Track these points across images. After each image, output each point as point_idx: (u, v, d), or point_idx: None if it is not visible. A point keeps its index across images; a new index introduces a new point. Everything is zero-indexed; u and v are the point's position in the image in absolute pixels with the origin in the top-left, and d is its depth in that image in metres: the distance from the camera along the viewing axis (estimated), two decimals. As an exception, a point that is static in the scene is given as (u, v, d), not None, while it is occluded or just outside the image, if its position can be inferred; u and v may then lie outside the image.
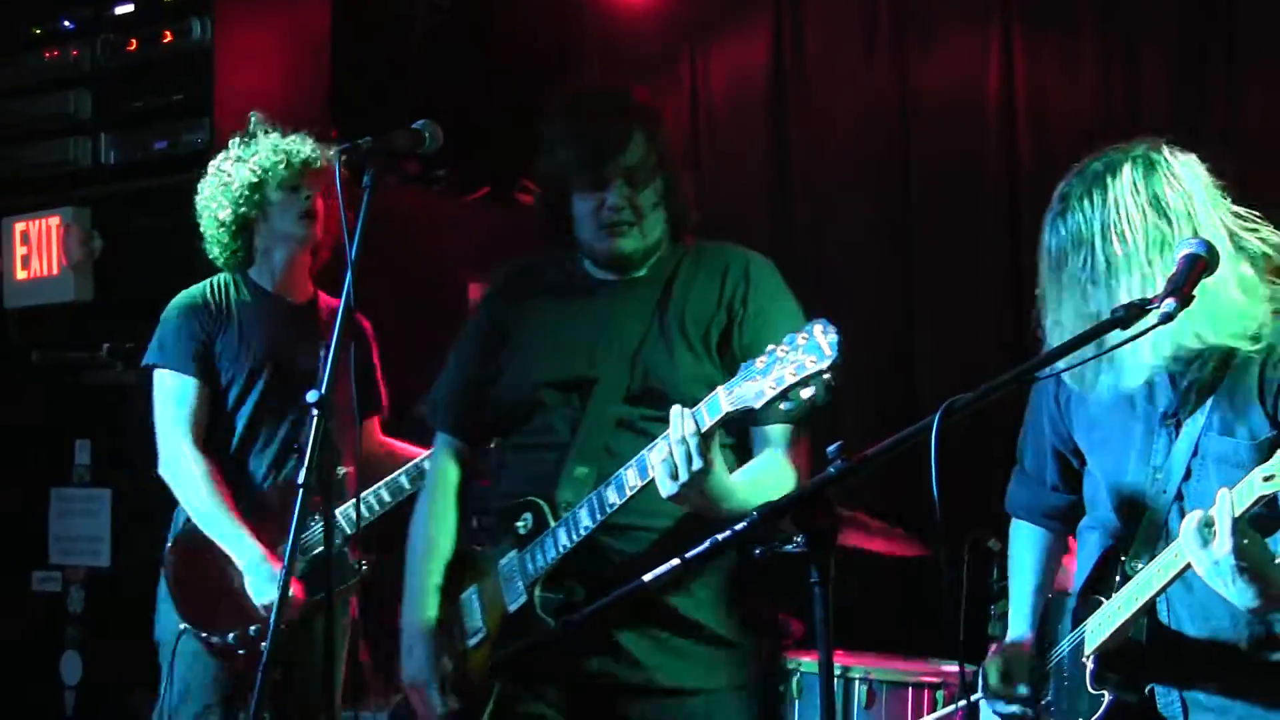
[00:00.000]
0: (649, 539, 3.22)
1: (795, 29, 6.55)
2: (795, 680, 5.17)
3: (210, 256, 4.71)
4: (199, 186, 4.70)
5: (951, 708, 4.85)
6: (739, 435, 3.32)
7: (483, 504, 3.49)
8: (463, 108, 6.46)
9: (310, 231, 4.61)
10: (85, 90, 6.21)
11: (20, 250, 6.17)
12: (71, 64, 6.24)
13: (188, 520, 4.52)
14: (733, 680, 3.34)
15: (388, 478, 4.48)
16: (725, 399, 2.94)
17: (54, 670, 6.04)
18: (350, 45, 6.55)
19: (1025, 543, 3.29)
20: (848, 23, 6.41)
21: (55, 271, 6.08)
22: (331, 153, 4.53)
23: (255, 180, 4.60)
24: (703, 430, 2.95)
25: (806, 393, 2.84)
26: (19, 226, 6.18)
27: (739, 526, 2.22)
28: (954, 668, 5.00)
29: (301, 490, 2.88)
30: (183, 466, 4.47)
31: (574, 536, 3.17)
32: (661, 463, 2.99)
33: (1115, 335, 2.50)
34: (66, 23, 6.31)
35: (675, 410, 2.99)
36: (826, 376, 2.82)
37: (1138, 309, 2.45)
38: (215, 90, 5.88)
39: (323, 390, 2.95)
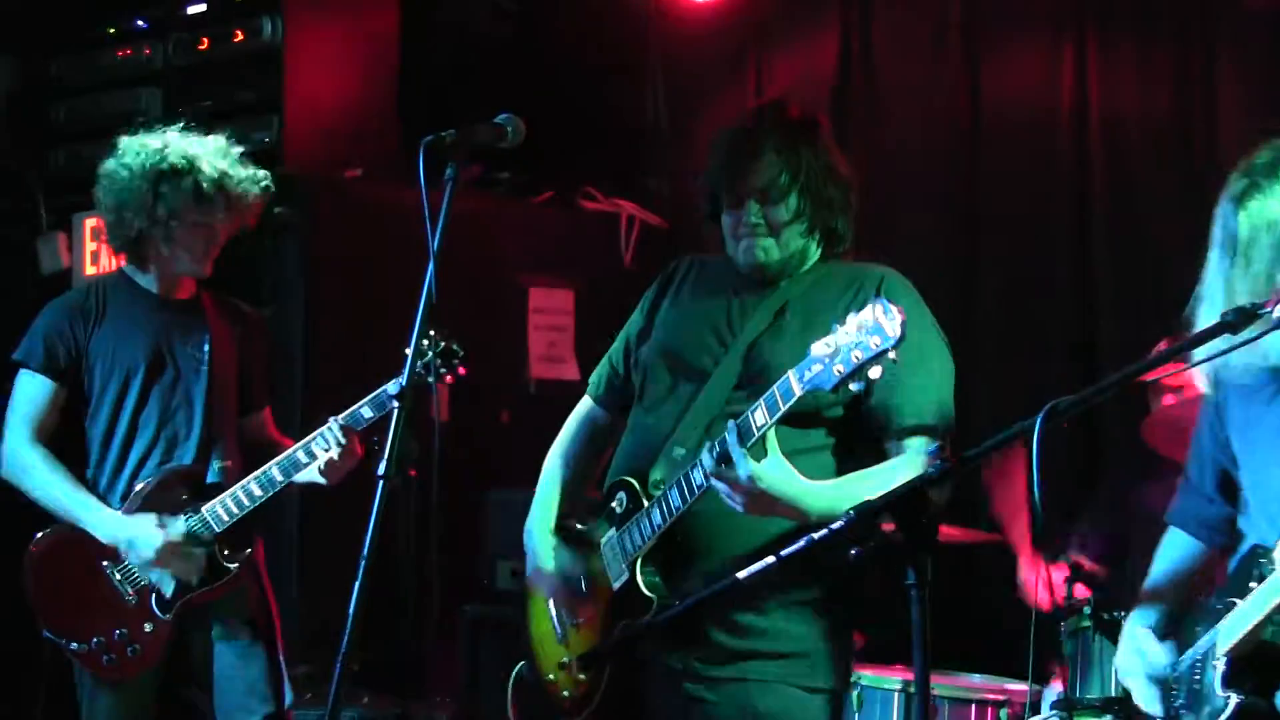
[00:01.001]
0: (740, 521, 3.23)
1: (863, 34, 6.49)
2: (856, 693, 5.13)
3: (110, 240, 4.64)
4: (127, 155, 4.58)
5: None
6: (844, 432, 3.35)
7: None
8: (526, 112, 6.46)
9: (205, 268, 4.54)
10: (156, 88, 6.25)
11: (90, 246, 6.20)
12: (143, 62, 6.29)
13: (42, 534, 4.50)
14: (805, 680, 3.34)
15: (258, 471, 4.36)
16: (797, 383, 3.00)
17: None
18: (417, 49, 6.58)
19: (1172, 548, 3.23)
20: (917, 27, 6.36)
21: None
22: (260, 183, 4.55)
23: (173, 209, 4.45)
24: (774, 419, 3.03)
25: (874, 372, 2.89)
26: (89, 223, 6.22)
27: (835, 525, 2.19)
28: (1019, 686, 4.95)
29: (381, 483, 2.86)
30: (20, 458, 4.46)
31: (667, 516, 3.27)
32: (716, 483, 3.11)
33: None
34: (139, 22, 6.35)
35: (729, 426, 3.09)
36: (893, 357, 2.87)
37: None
38: (285, 89, 5.90)
39: (404, 383, 2.92)
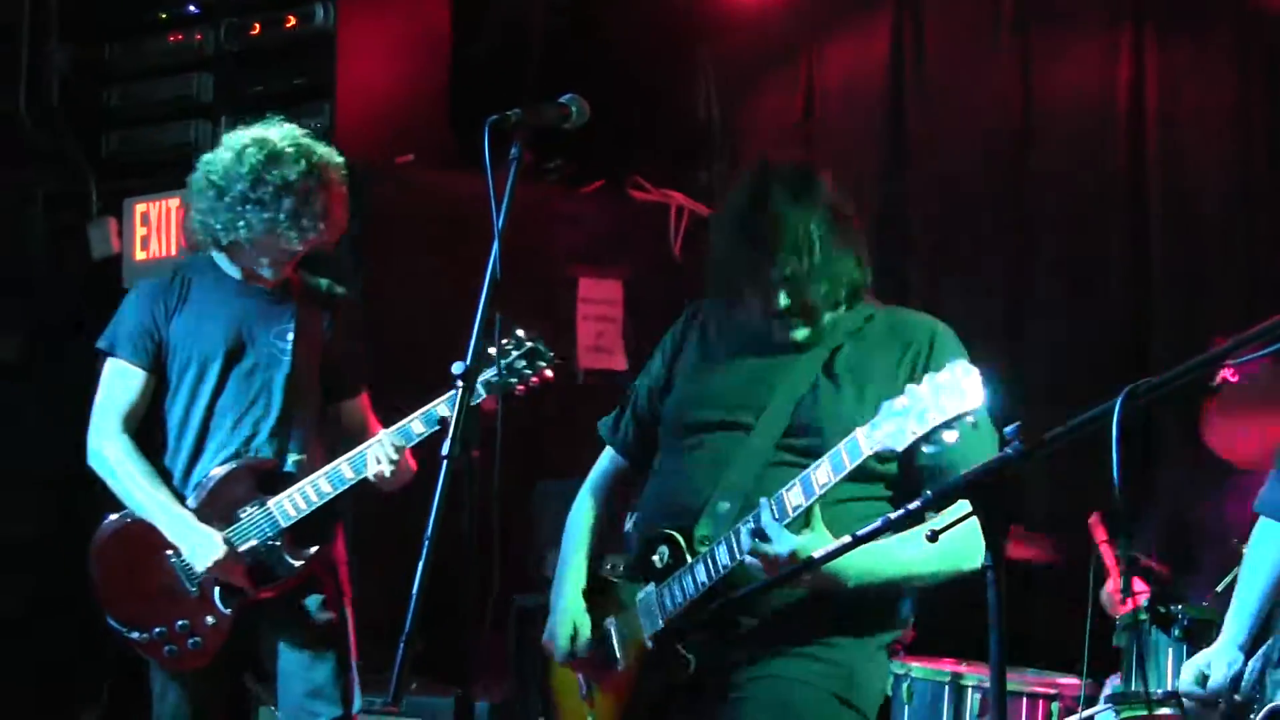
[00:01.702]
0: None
1: (916, 27, 6.45)
2: (906, 685, 5.11)
3: (196, 229, 4.45)
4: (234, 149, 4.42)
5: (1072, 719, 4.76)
6: (899, 489, 3.24)
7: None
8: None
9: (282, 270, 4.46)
10: (207, 74, 6.26)
11: (140, 231, 6.22)
12: (194, 48, 6.30)
13: (109, 519, 4.47)
14: (843, 691, 3.25)
15: (329, 466, 4.27)
16: (865, 441, 2.91)
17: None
18: (469, 37, 6.58)
19: (1266, 541, 3.19)
20: (970, 21, 6.31)
21: (174, 252, 6.11)
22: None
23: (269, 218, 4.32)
24: (839, 478, 2.94)
25: (950, 436, 2.82)
26: (139, 208, 6.24)
27: (912, 506, 2.16)
28: (1069, 680, 4.92)
29: (445, 462, 2.84)
30: (106, 451, 4.39)
31: (713, 575, 3.14)
32: (748, 563, 3.01)
33: None
34: (191, 7, 6.37)
35: (763, 503, 3.00)
36: (971, 421, 2.80)
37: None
38: (337, 75, 5.91)
39: (468, 363, 2.91)
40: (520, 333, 4.15)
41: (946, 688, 5.06)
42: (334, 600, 4.43)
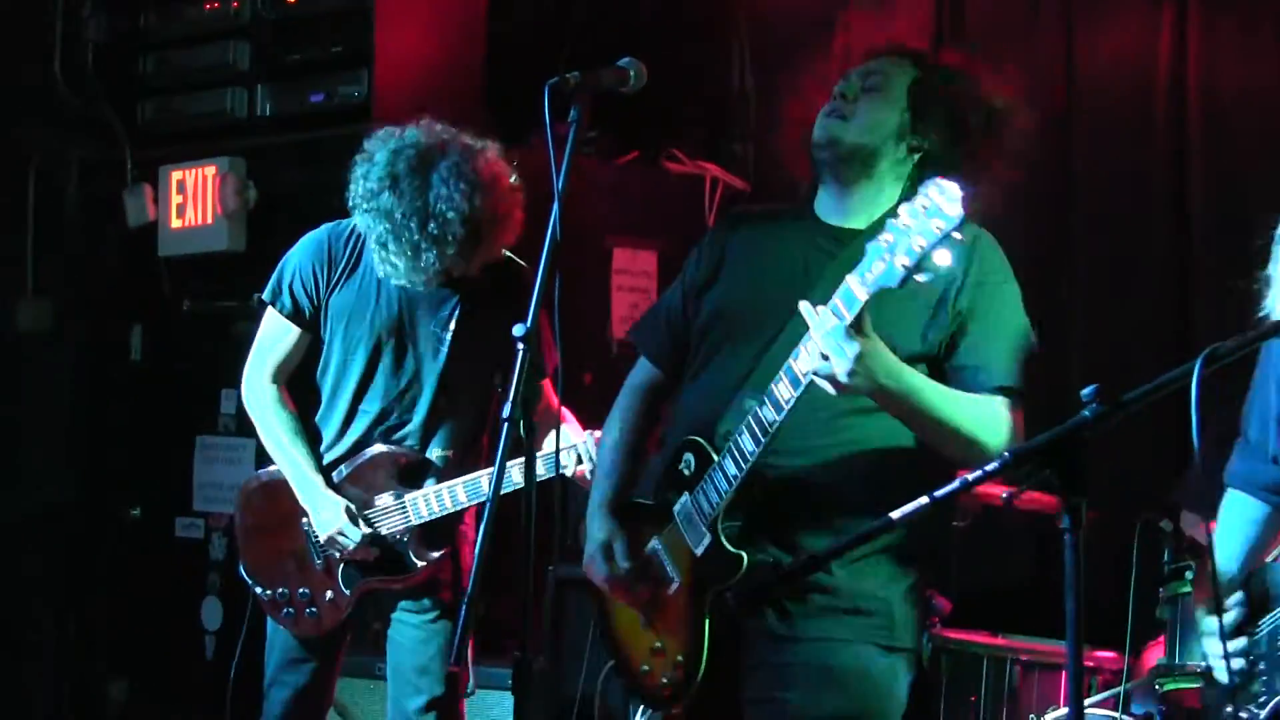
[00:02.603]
0: (819, 462, 3.17)
1: (955, 1, 6.40)
2: (944, 658, 5.10)
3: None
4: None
5: (1108, 693, 4.75)
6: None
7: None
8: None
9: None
10: (244, 41, 6.24)
11: (176, 199, 6.21)
12: (231, 15, 6.28)
13: (264, 470, 4.48)
14: (883, 639, 3.24)
15: (467, 476, 4.20)
16: (859, 286, 2.84)
17: (195, 615, 6.09)
18: (504, 8, 6.55)
19: (1235, 513, 3.18)
20: (1011, -5, 6.28)
21: (210, 221, 6.11)
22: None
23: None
24: (846, 323, 2.87)
25: (942, 259, 2.74)
26: (175, 175, 6.23)
27: (990, 467, 2.15)
28: (1107, 654, 4.91)
29: (506, 425, 2.83)
30: (257, 395, 4.36)
31: (742, 465, 3.10)
32: (818, 368, 2.91)
33: None
34: (227, -27, 6.35)
35: (804, 307, 2.92)
36: (958, 237, 2.72)
37: None
38: (376, 44, 5.89)
39: (529, 324, 2.89)
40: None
41: (985, 660, 5.05)
42: (454, 585, 4.32)
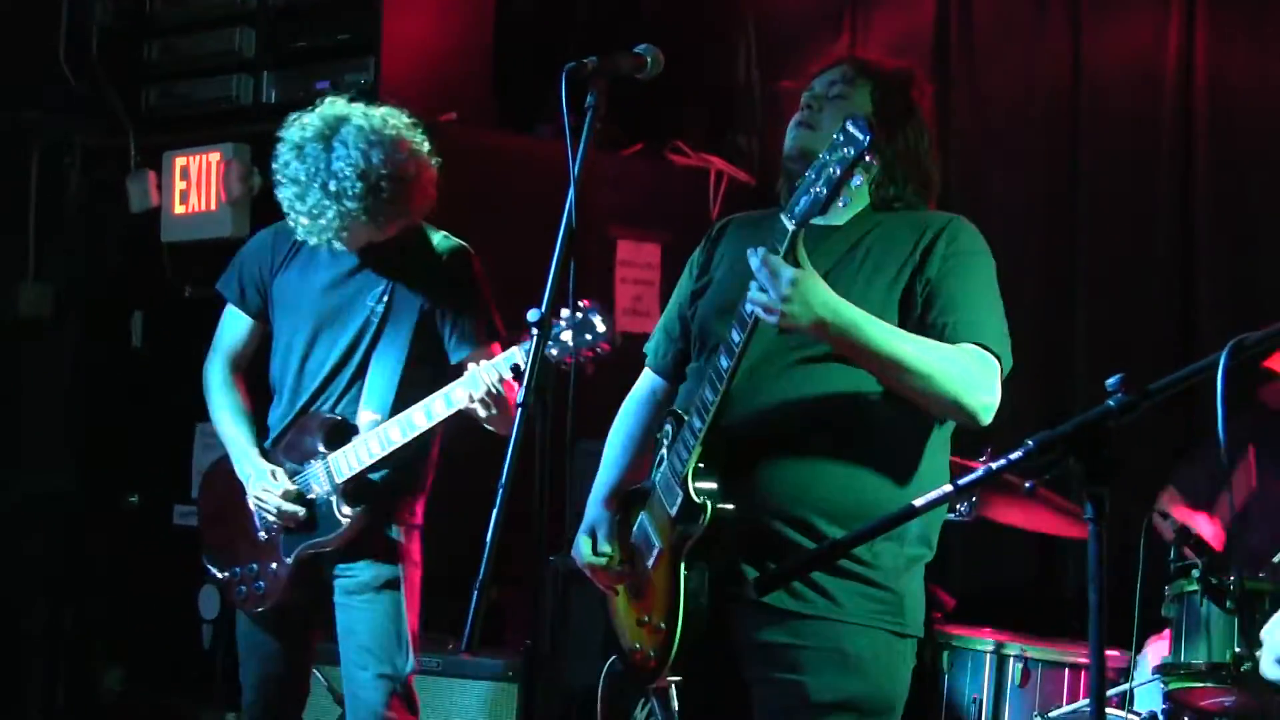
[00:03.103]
0: (770, 403, 3.19)
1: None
2: (946, 654, 5.09)
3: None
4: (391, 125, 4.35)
5: (1113, 691, 4.74)
6: None
7: None
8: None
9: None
10: (250, 28, 6.23)
11: (180, 185, 6.19)
12: (238, 2, 6.28)
13: (219, 459, 4.59)
14: (895, 625, 3.23)
15: (379, 428, 4.26)
16: (788, 220, 2.96)
17: (192, 604, 6.06)
18: (513, 1, 6.54)
19: None
20: (1018, -6, 6.26)
21: (213, 207, 6.09)
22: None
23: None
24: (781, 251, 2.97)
25: (857, 180, 2.97)
26: (179, 161, 6.20)
27: (1014, 455, 2.14)
28: (1111, 651, 4.89)
29: (520, 410, 2.82)
30: (208, 381, 4.58)
31: (704, 416, 3.14)
32: (752, 297, 3.00)
33: None
34: (234, -39, 6.34)
35: (749, 251, 3.03)
36: (869, 159, 2.87)
37: None
38: (383, 31, 5.87)
39: (544, 311, 2.88)
40: (582, 304, 4.01)
41: (988, 657, 5.04)
42: (392, 551, 4.38)
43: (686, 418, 3.21)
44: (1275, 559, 4.29)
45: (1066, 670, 4.98)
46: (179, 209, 6.20)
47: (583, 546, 3.48)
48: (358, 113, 4.31)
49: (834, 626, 3.17)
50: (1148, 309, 5.87)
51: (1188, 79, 5.82)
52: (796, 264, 2.98)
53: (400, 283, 4.37)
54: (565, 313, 3.89)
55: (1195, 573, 4.36)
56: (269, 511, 4.35)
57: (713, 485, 3.17)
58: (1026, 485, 2.13)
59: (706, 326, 3.40)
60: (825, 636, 3.17)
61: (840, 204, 2.93)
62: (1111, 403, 2.09)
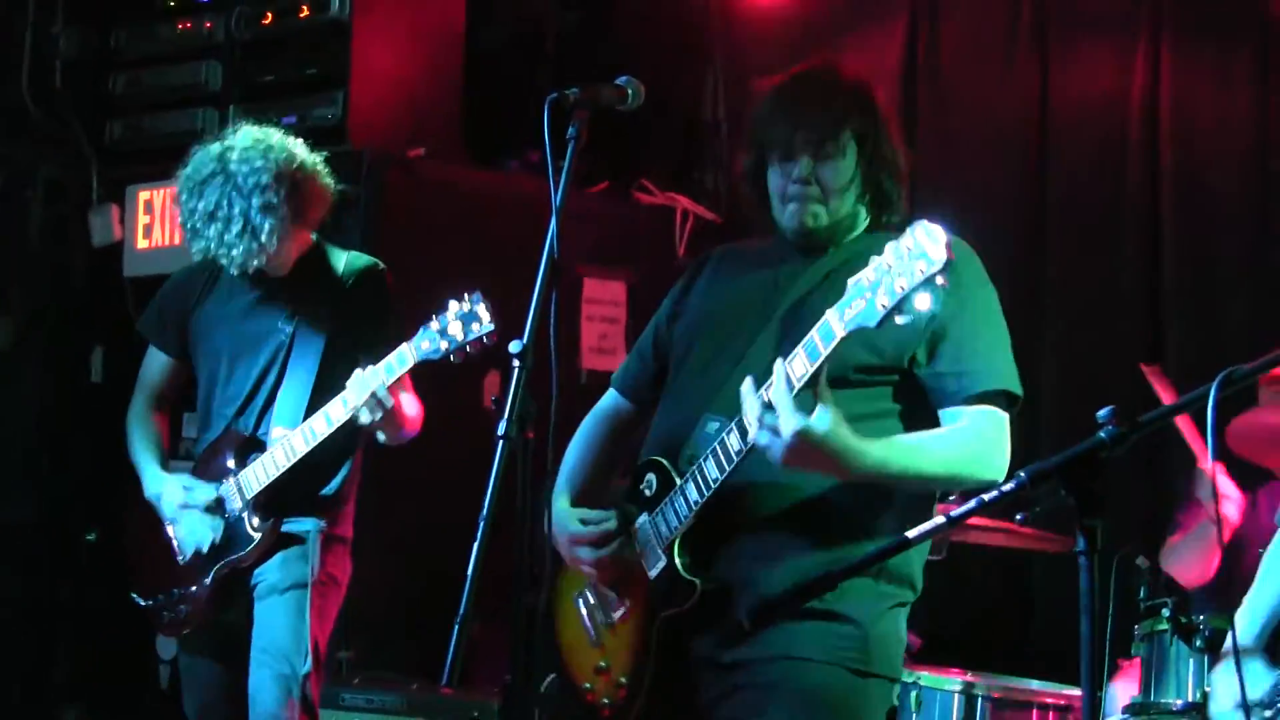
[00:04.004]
0: (785, 488, 3.11)
1: (931, 32, 6.40)
2: (914, 694, 5.06)
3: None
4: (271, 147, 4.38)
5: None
6: (910, 403, 3.16)
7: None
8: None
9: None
10: (216, 62, 6.22)
11: (143, 219, 6.17)
12: (204, 35, 6.27)
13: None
14: (857, 662, 3.15)
15: (284, 441, 4.29)
16: (837, 323, 2.83)
17: (150, 643, 5.99)
18: (481, 34, 6.55)
19: None
20: (985, 25, 6.27)
21: (177, 242, 6.03)
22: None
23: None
24: (816, 365, 2.86)
25: (923, 303, 2.72)
26: (143, 195, 6.20)
27: (1007, 488, 2.13)
28: (1076, 691, 4.89)
29: (501, 443, 2.79)
30: (128, 419, 4.66)
31: (704, 490, 3.07)
32: (756, 435, 2.90)
33: None
34: (201, -7, 6.34)
35: (744, 388, 2.92)
36: (941, 282, 2.70)
37: None
38: (351, 65, 5.87)
39: (525, 341, 2.86)
40: (464, 294, 4.04)
41: (956, 697, 5.01)
42: (297, 561, 4.37)
43: (679, 481, 3.12)
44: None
45: (1034, 710, 4.95)
46: (142, 243, 6.19)
47: (569, 521, 3.32)
48: (238, 139, 4.38)
49: (794, 665, 3.10)
50: (1115, 341, 5.89)
51: (1153, 112, 5.86)
52: (815, 395, 2.87)
53: (309, 304, 4.41)
54: (453, 305, 4.00)
55: (1165, 612, 4.35)
56: (191, 521, 4.36)
57: (699, 558, 3.11)
58: (1018, 517, 2.11)
59: (683, 348, 3.36)
60: (779, 672, 3.10)
61: (899, 320, 2.76)
62: (1103, 434, 2.09)
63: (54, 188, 6.59)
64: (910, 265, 2.70)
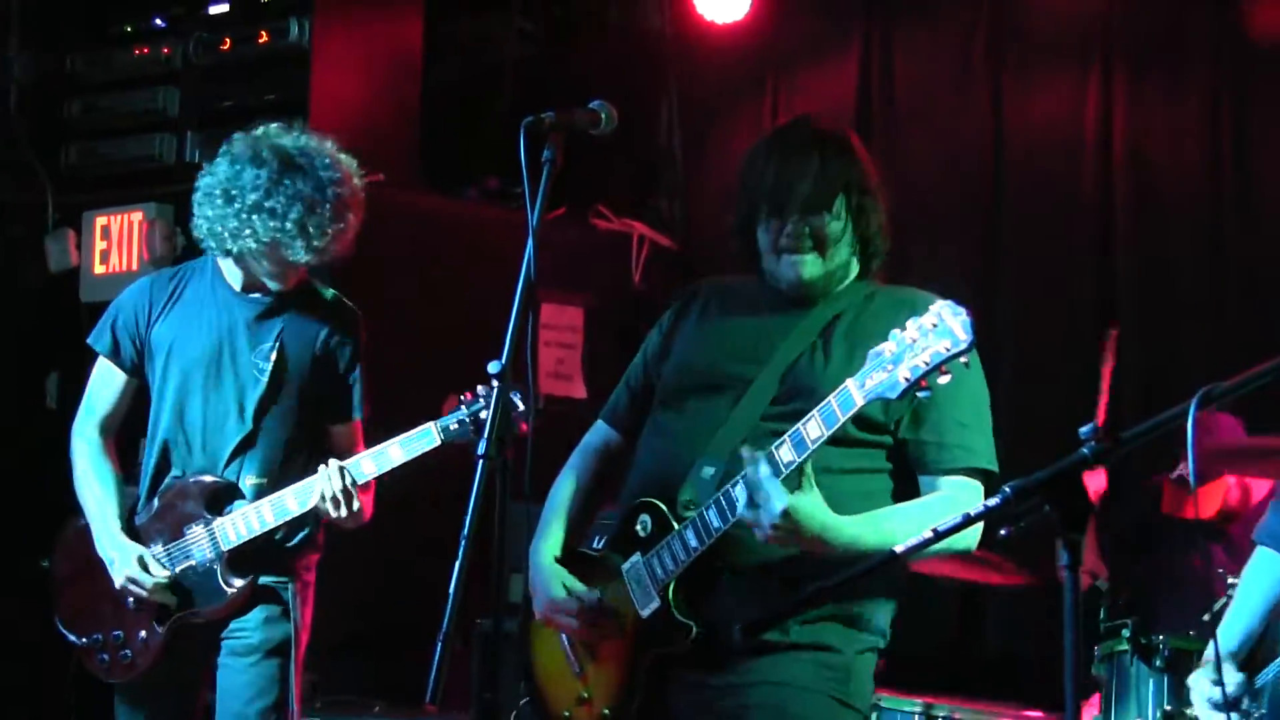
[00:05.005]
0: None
1: (885, 62, 6.49)
2: (875, 716, 5.09)
3: (204, 235, 4.20)
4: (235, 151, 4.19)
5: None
6: (898, 463, 3.22)
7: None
8: (543, 130, 6.48)
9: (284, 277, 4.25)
10: (174, 87, 6.21)
11: (100, 244, 6.13)
12: (162, 61, 6.26)
13: (76, 522, 4.40)
14: (840, 693, 3.22)
15: (273, 496, 4.12)
16: (858, 392, 2.88)
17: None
18: (438, 64, 6.57)
19: (1262, 569, 3.24)
20: (939, 56, 6.37)
21: (134, 267, 6.03)
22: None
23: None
24: (831, 431, 2.90)
25: (943, 380, 2.80)
26: (100, 221, 6.16)
27: (991, 503, 2.16)
28: (1037, 714, 4.93)
29: (481, 462, 2.80)
30: (75, 445, 4.36)
31: (704, 539, 3.11)
32: (741, 512, 2.97)
33: None
34: (157, 20, 6.32)
35: (745, 451, 2.96)
36: (964, 361, 2.77)
37: None
38: (311, 92, 5.87)
39: (504, 361, 2.87)
40: (494, 384, 3.91)
41: (916, 718, 5.05)
42: (281, 622, 4.24)
43: (677, 527, 3.15)
44: (1206, 617, 4.36)
45: (994, 733, 5.00)
46: (100, 269, 6.14)
47: (555, 589, 3.34)
48: (304, 141, 4.21)
49: (777, 689, 3.16)
50: (1069, 369, 5.94)
51: (1107, 138, 5.95)
52: (801, 472, 2.94)
53: (290, 341, 4.24)
54: (481, 390, 3.94)
55: (1125, 633, 4.41)
56: (137, 596, 4.17)
57: (691, 599, 3.15)
58: (1001, 533, 2.14)
59: (674, 388, 3.38)
60: (768, 696, 3.15)
61: (920, 395, 2.85)
62: (1085, 450, 2.13)
63: (7, 213, 6.53)
64: (935, 343, 2.78)
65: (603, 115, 3.20)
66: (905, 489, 3.22)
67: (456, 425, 3.97)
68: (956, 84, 6.28)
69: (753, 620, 2.89)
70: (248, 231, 4.08)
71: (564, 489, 3.54)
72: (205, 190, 4.17)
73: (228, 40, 6.11)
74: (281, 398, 4.22)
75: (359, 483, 4.03)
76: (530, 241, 2.98)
